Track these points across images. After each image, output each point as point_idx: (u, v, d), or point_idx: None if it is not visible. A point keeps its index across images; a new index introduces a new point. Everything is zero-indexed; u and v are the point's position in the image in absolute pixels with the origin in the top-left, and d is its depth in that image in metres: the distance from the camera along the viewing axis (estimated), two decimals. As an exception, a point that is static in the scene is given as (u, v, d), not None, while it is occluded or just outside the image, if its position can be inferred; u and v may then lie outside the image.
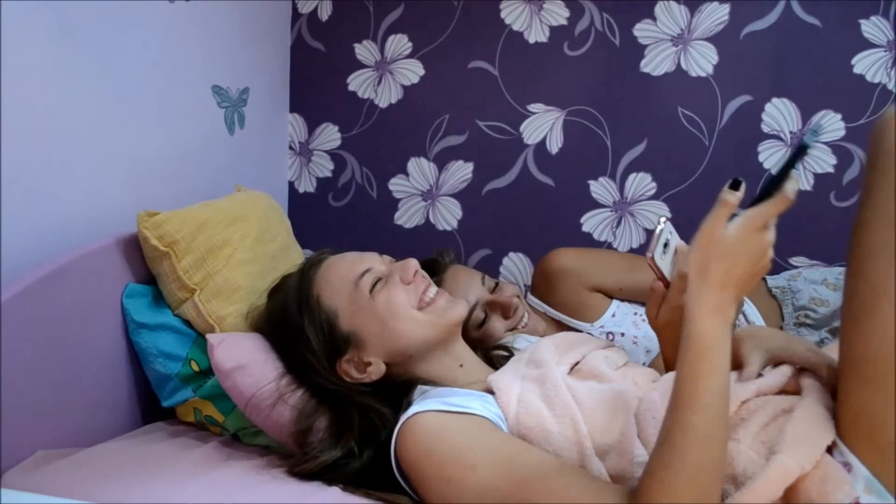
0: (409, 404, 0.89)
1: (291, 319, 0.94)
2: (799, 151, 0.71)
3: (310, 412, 0.92)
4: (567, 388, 0.85)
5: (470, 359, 0.99)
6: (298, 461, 0.89)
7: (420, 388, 0.93)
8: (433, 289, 0.96)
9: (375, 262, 0.96)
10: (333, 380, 0.93)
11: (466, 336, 1.18)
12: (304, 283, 0.95)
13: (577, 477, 0.73)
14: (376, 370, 0.93)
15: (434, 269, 1.30)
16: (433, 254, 1.40)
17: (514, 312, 1.27)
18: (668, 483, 0.65)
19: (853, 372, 0.69)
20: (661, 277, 0.85)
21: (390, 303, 0.91)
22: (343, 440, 0.89)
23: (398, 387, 0.94)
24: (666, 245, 0.83)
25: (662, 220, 0.82)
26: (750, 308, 1.35)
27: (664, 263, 0.83)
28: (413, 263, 0.95)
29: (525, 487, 0.72)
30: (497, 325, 1.26)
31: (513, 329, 1.27)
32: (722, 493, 0.71)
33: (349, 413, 0.91)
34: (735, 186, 0.70)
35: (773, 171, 0.74)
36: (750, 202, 0.72)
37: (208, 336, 1.03)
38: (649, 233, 1.62)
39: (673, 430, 0.67)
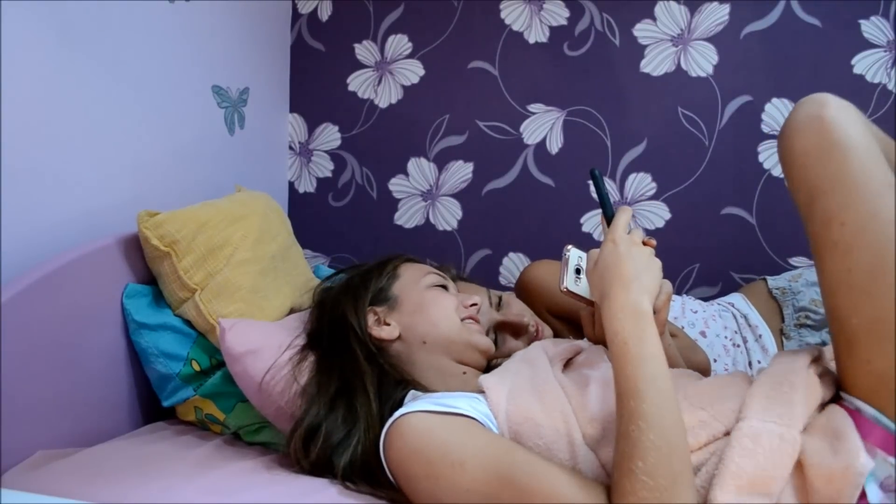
0: (398, 406, 0.89)
1: (377, 265, 1.11)
2: (594, 179, 0.91)
3: (312, 389, 0.96)
4: (557, 381, 0.86)
5: (473, 371, 1.00)
6: (288, 439, 0.92)
7: (412, 392, 0.94)
8: (479, 326, 1.04)
9: (452, 286, 1.09)
10: (360, 317, 1.01)
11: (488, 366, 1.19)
12: (396, 256, 1.13)
13: (564, 475, 0.74)
14: (389, 333, 1.00)
15: None
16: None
17: (525, 331, 1.22)
18: (632, 470, 0.67)
19: (870, 336, 0.70)
20: (584, 300, 0.91)
21: (438, 299, 1.03)
22: (316, 401, 0.93)
23: (394, 372, 0.97)
24: (578, 271, 0.91)
25: (568, 248, 0.91)
26: (750, 310, 1.34)
27: (580, 288, 0.90)
28: (478, 299, 1.07)
29: (513, 485, 0.73)
30: (511, 343, 1.21)
31: (529, 342, 1.22)
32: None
33: (331, 379, 0.96)
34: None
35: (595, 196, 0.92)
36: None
37: (220, 320, 1.05)
38: (649, 234, 1.62)
39: (622, 421, 0.71)
